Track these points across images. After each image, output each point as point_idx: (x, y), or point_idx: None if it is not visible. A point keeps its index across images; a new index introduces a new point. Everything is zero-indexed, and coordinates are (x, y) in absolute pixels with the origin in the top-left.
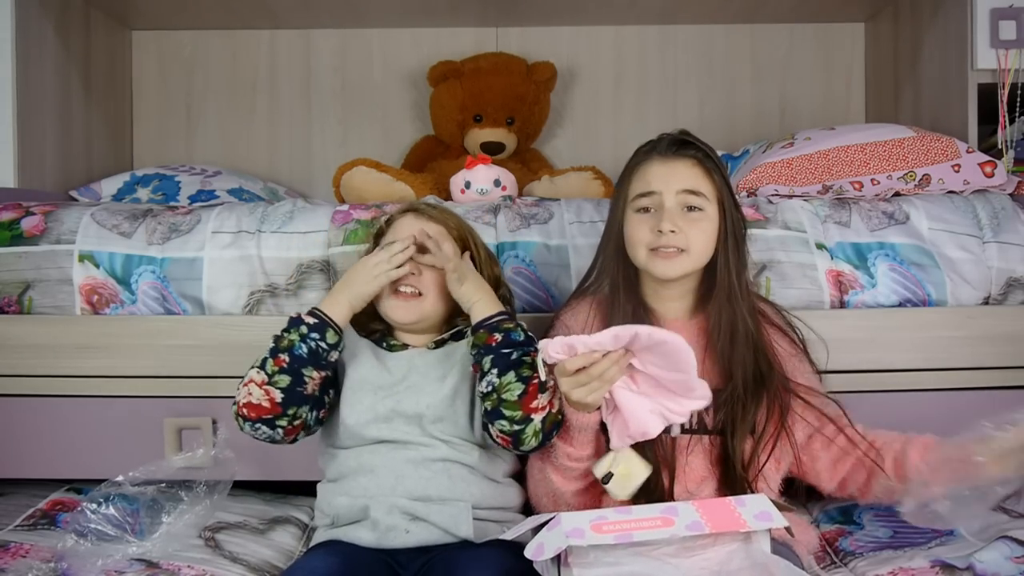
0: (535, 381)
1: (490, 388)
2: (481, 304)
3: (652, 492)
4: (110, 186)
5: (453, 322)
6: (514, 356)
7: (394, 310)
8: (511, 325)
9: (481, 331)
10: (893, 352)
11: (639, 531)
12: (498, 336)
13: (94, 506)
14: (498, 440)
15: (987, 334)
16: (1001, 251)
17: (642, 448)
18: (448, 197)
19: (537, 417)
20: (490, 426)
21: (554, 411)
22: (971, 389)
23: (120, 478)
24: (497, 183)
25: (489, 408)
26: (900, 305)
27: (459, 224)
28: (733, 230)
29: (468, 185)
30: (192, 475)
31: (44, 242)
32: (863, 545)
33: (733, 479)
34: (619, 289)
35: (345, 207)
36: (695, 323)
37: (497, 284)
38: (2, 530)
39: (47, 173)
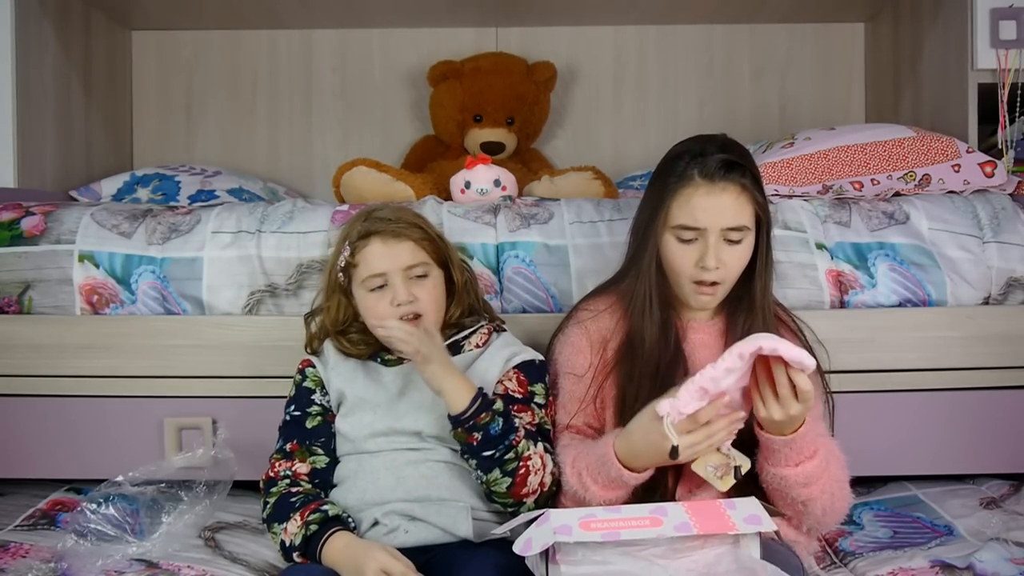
0: (522, 471)
1: (480, 482)
2: (451, 393)
3: (656, 491)
4: (110, 186)
5: (447, 328)
6: (496, 455)
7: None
8: (486, 418)
9: (459, 430)
10: (893, 352)
11: (627, 530)
12: (477, 436)
13: (94, 506)
14: None
15: (987, 334)
16: (1001, 251)
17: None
18: (448, 197)
19: (530, 500)
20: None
21: (545, 490)
22: (971, 389)
23: (120, 478)
24: (497, 183)
25: (484, 491)
26: (900, 305)
27: (424, 224)
28: (768, 246)
29: (468, 185)
30: (192, 475)
31: (44, 242)
32: (863, 545)
33: (741, 482)
34: (652, 298)
35: (345, 207)
36: (714, 324)
37: (461, 271)
38: (2, 530)
39: (47, 173)
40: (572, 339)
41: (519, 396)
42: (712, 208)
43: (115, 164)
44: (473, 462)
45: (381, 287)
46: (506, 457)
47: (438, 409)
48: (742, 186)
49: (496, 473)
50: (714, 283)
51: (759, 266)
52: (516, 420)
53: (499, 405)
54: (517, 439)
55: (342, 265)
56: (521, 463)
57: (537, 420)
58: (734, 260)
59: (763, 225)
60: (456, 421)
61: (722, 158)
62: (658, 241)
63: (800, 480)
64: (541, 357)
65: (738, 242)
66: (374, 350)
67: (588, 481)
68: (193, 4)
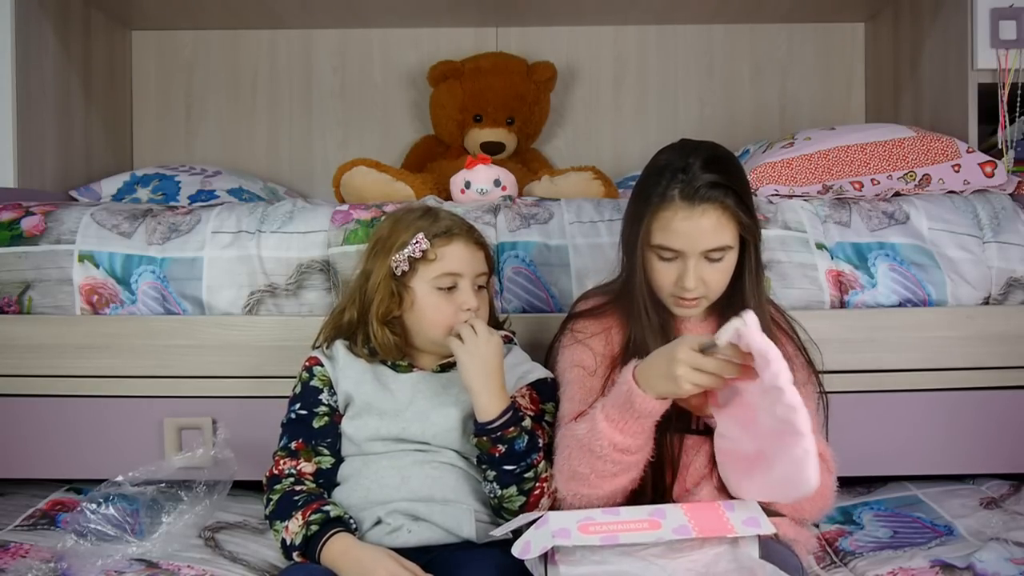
0: (536, 492)
1: (492, 495)
2: (483, 396)
3: (653, 489)
4: (110, 186)
5: None
6: (516, 471)
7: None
8: (514, 432)
9: (484, 439)
10: (893, 352)
11: (625, 533)
12: (502, 448)
13: (94, 506)
14: None
15: (986, 334)
16: (1001, 251)
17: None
18: (448, 197)
19: None
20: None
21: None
22: (971, 389)
23: (120, 478)
24: (497, 183)
25: (492, 504)
26: (900, 305)
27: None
28: (755, 257)
29: (468, 185)
30: (192, 475)
31: (44, 242)
32: (863, 545)
33: None
34: (648, 309)
35: (345, 207)
36: (707, 324)
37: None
38: (2, 530)
39: (47, 173)
40: (574, 347)
41: (531, 414)
42: (692, 232)
43: (115, 164)
44: (491, 474)
45: (449, 288)
46: (526, 475)
47: (446, 422)
48: (724, 207)
49: (512, 490)
50: (695, 297)
51: (748, 284)
52: (539, 440)
53: (527, 422)
54: (539, 459)
55: (415, 255)
56: (538, 484)
57: (547, 439)
58: (715, 277)
59: (748, 242)
60: (482, 429)
61: (705, 179)
62: (644, 257)
63: None
64: (552, 375)
65: (719, 260)
66: (398, 354)
67: (600, 417)
68: (193, 4)
